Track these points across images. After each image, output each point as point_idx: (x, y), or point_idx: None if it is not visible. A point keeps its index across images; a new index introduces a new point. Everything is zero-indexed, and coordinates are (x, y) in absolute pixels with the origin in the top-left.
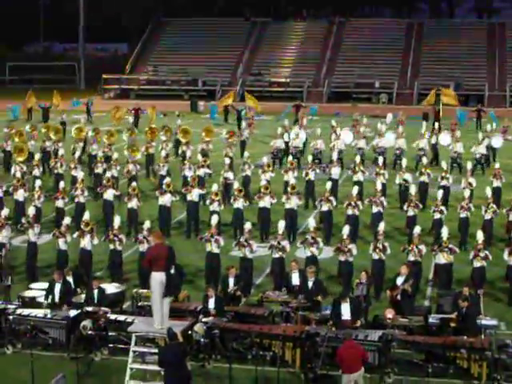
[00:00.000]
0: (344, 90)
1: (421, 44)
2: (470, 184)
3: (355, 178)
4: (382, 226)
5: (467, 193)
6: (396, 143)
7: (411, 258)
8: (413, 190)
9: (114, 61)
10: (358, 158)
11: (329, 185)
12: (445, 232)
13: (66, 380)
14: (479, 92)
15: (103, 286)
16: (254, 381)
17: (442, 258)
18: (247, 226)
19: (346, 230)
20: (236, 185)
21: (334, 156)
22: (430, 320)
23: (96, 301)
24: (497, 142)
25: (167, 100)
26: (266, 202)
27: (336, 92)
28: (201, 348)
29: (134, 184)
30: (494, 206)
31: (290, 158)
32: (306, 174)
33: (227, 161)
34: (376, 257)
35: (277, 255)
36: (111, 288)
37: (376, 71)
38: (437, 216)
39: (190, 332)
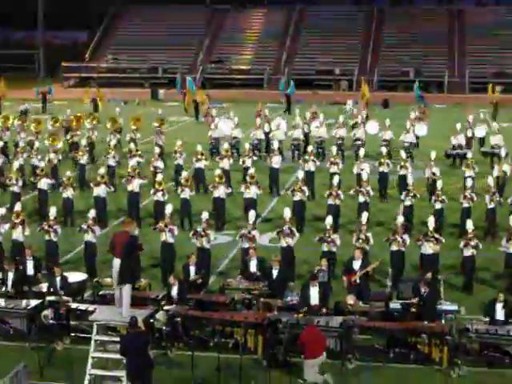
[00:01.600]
0: (305, 77)
1: (381, 31)
2: (434, 174)
3: (332, 170)
4: (364, 217)
5: (439, 183)
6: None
7: (394, 247)
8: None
9: (73, 49)
10: (334, 149)
11: (301, 174)
12: (431, 222)
13: (27, 370)
14: (439, 79)
15: (66, 274)
16: (217, 368)
17: (429, 248)
18: (204, 215)
19: (328, 220)
20: (184, 174)
21: (275, 145)
22: (391, 306)
23: (59, 288)
24: (422, 129)
25: (127, 88)
26: (220, 192)
27: (297, 79)
28: (163, 336)
29: (68, 173)
30: (473, 194)
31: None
32: (243, 162)
33: (157, 150)
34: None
35: (246, 245)
36: (74, 276)
37: (336, 58)
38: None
39: (151, 320)
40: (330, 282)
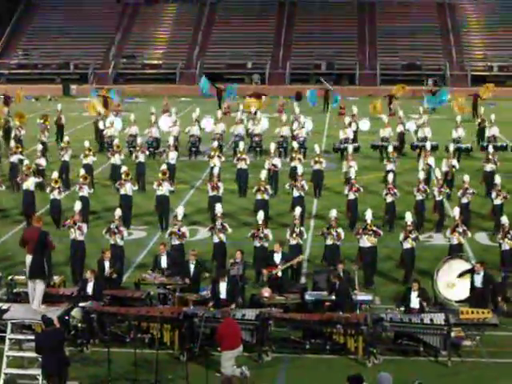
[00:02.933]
0: (216, 71)
1: (293, 23)
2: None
3: (267, 165)
4: (298, 211)
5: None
6: (280, 131)
7: (329, 241)
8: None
9: None
10: (273, 146)
11: (264, 174)
12: (368, 214)
13: None
14: (351, 71)
15: None
16: (133, 364)
17: (367, 241)
18: (117, 212)
19: (260, 215)
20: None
21: (171, 141)
22: (306, 297)
23: None
24: (364, 125)
25: (39, 84)
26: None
27: (208, 73)
28: (78, 333)
29: None
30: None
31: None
32: (136, 157)
33: (39, 147)
34: (293, 242)
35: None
36: None
37: (248, 52)
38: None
39: (66, 317)
40: (245, 274)
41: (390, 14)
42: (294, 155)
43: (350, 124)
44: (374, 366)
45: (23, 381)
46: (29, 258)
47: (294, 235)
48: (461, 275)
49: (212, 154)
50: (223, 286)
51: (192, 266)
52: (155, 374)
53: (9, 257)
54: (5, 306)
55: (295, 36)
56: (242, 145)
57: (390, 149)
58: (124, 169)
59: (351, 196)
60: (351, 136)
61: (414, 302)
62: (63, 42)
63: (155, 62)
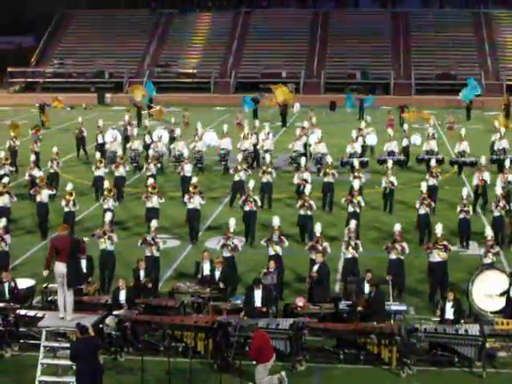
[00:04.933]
0: (251, 80)
1: (326, 33)
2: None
3: (296, 180)
4: (353, 224)
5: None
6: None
7: (393, 256)
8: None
9: (19, 54)
10: (303, 160)
11: (308, 188)
12: (439, 229)
13: None
14: (385, 80)
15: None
16: (167, 372)
17: (437, 256)
18: (153, 223)
19: (318, 228)
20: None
21: (185, 153)
22: (340, 307)
23: (7, 295)
24: (372, 139)
25: (74, 93)
26: (153, 202)
27: (243, 82)
28: (112, 341)
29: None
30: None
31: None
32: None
33: (33, 157)
34: (349, 255)
35: (272, 252)
36: (23, 283)
37: (283, 61)
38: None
39: (101, 325)
40: (278, 283)
41: (424, 23)
42: (327, 170)
43: (357, 138)
44: (407, 376)
45: None
46: (59, 267)
47: (350, 248)
48: (502, 294)
49: (265, 169)
50: (258, 295)
51: (218, 274)
52: (188, 383)
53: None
54: (39, 313)
55: (330, 45)
56: (303, 160)
57: (433, 163)
58: (150, 181)
59: (422, 211)
60: (359, 150)
61: (449, 312)
62: (98, 51)
63: (190, 70)
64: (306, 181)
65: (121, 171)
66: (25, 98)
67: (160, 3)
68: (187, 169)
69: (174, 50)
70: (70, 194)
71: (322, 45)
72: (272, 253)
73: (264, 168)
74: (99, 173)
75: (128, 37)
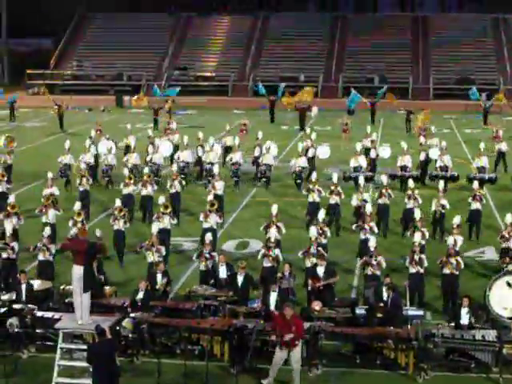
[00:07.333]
0: (269, 83)
1: (345, 37)
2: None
3: (354, 202)
4: (418, 238)
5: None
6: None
7: (446, 271)
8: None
9: (38, 56)
10: (362, 180)
11: (369, 208)
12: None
13: None
14: (404, 85)
15: (32, 282)
16: (183, 375)
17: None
18: (208, 236)
19: (373, 242)
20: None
21: (216, 169)
22: (357, 311)
23: (24, 297)
24: (386, 152)
25: (92, 95)
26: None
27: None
28: (129, 343)
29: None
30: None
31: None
32: (171, 186)
33: None
34: (413, 270)
35: (269, 264)
36: (39, 284)
37: (301, 65)
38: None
39: (118, 327)
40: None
41: (443, 27)
42: (383, 191)
43: (361, 151)
44: (424, 381)
45: None
46: (76, 269)
47: (414, 263)
48: None
49: (311, 187)
50: (273, 297)
51: (240, 279)
52: None
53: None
54: (56, 315)
55: (348, 49)
56: (362, 180)
57: (476, 185)
58: (162, 200)
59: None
60: (364, 164)
61: (464, 317)
62: (117, 54)
63: (208, 73)
64: (365, 201)
65: (149, 190)
66: (43, 99)
67: (179, 7)
68: (219, 186)
69: (193, 53)
70: (79, 214)
71: (340, 48)
72: (308, 265)
73: (332, 188)
74: (128, 191)
75: (147, 40)
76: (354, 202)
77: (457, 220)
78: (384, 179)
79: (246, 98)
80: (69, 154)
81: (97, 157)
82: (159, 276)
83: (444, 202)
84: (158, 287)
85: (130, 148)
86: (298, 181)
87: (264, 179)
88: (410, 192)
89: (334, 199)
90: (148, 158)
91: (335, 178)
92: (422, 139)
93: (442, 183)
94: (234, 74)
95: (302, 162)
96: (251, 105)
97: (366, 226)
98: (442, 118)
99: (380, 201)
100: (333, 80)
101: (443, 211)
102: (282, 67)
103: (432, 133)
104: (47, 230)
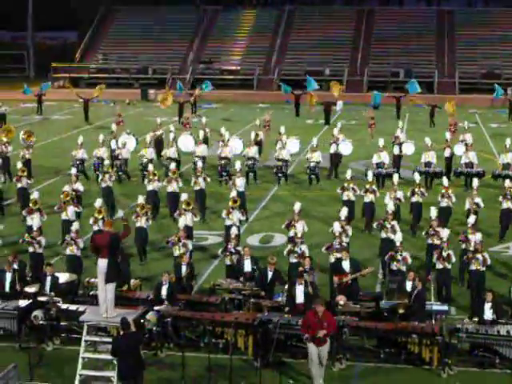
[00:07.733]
0: (294, 78)
1: (371, 31)
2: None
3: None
4: (446, 234)
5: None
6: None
7: (473, 267)
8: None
9: (63, 49)
10: (396, 177)
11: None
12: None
13: (17, 370)
14: (429, 79)
15: (57, 274)
16: (207, 369)
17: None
18: (233, 230)
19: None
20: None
21: (237, 166)
22: (382, 305)
23: (49, 289)
24: (409, 148)
25: (117, 88)
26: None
27: (286, 80)
28: (153, 336)
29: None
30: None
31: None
32: (195, 183)
33: (19, 165)
34: (440, 266)
35: (294, 260)
36: (64, 277)
37: (326, 59)
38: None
39: (142, 320)
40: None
41: (469, 22)
42: (416, 189)
43: (384, 147)
44: (448, 377)
45: (98, 382)
46: (102, 262)
47: (441, 259)
48: None
49: (345, 185)
50: (300, 290)
51: (270, 274)
52: (229, 380)
53: None
54: (81, 307)
55: (373, 43)
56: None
57: (508, 183)
58: (184, 197)
59: (504, 205)
60: (386, 161)
61: (488, 312)
62: (142, 47)
63: (233, 67)
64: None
65: (174, 187)
66: (68, 93)
67: (204, 0)
68: (239, 183)
69: (218, 46)
70: (99, 212)
71: (365, 42)
72: (332, 260)
73: (367, 186)
74: (152, 187)
75: (172, 33)
76: (388, 201)
77: (471, 220)
78: (417, 177)
79: (272, 92)
80: (82, 149)
81: (111, 151)
82: (184, 268)
83: (478, 200)
84: (182, 276)
85: (163, 142)
86: (312, 176)
87: (280, 175)
88: (443, 190)
89: (368, 197)
90: (163, 153)
91: (370, 176)
92: (447, 135)
93: (475, 181)
94: (260, 68)
95: (317, 156)
96: (276, 98)
97: (388, 225)
98: (468, 113)
99: (413, 199)
100: (358, 74)
101: (477, 209)
102: (308, 61)
103: (465, 128)
104: (75, 225)
